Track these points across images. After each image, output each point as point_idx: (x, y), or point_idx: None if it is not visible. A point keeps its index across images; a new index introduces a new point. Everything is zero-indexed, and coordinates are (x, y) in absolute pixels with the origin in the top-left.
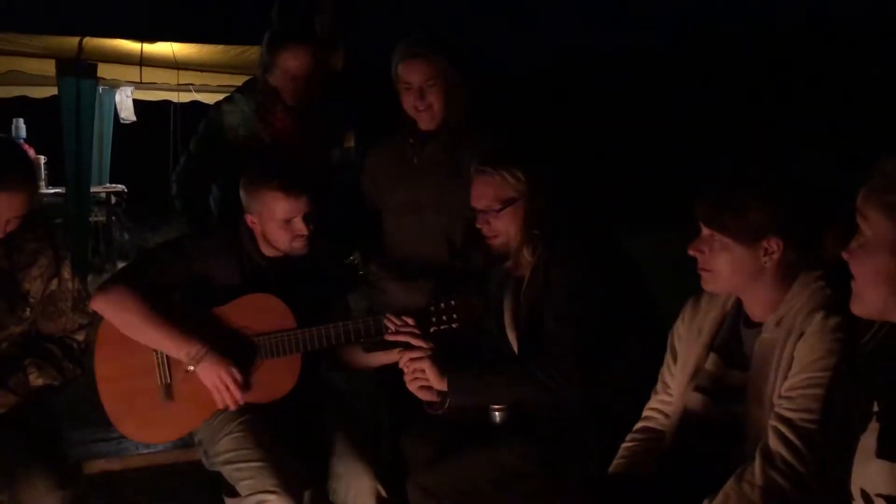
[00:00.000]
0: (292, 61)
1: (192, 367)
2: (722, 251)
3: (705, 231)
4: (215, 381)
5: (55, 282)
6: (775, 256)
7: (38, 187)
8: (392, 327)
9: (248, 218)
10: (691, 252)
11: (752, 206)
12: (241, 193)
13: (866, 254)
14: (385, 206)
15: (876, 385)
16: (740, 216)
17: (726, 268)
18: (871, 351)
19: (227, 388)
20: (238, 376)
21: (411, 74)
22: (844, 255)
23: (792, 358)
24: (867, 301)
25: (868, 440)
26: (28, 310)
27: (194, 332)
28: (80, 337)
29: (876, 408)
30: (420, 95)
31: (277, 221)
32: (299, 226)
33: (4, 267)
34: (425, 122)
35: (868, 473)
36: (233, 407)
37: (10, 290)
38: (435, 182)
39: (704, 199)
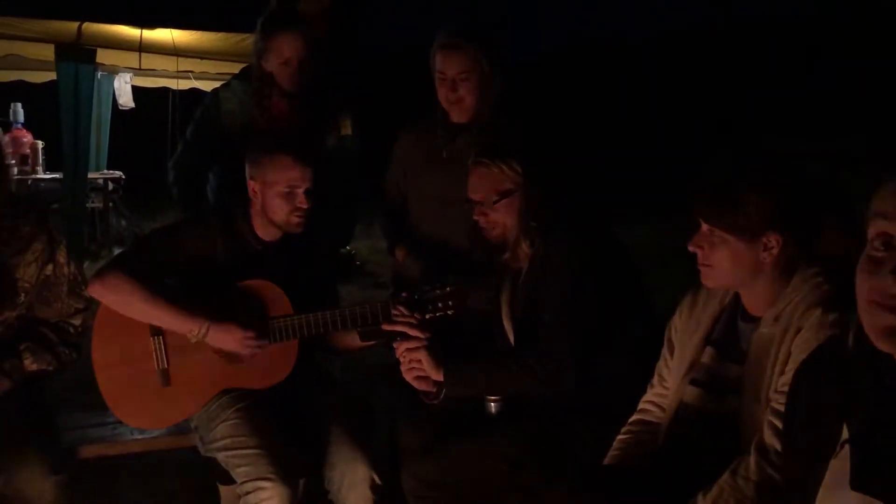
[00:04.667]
0: (285, 46)
1: (199, 338)
2: (721, 247)
3: (704, 227)
4: (231, 342)
5: (50, 267)
6: (774, 252)
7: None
8: (396, 313)
9: (251, 185)
10: (691, 248)
11: (752, 202)
12: (247, 162)
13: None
14: (412, 194)
15: (847, 405)
16: (740, 213)
17: (726, 263)
18: (843, 362)
19: (249, 341)
20: (250, 331)
21: (446, 65)
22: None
23: (789, 353)
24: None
25: (839, 466)
26: (22, 295)
27: (195, 307)
28: (76, 321)
29: (846, 432)
30: (452, 87)
31: (280, 190)
32: (300, 198)
33: None
34: (457, 115)
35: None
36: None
37: (4, 276)
38: (463, 176)
39: (703, 194)
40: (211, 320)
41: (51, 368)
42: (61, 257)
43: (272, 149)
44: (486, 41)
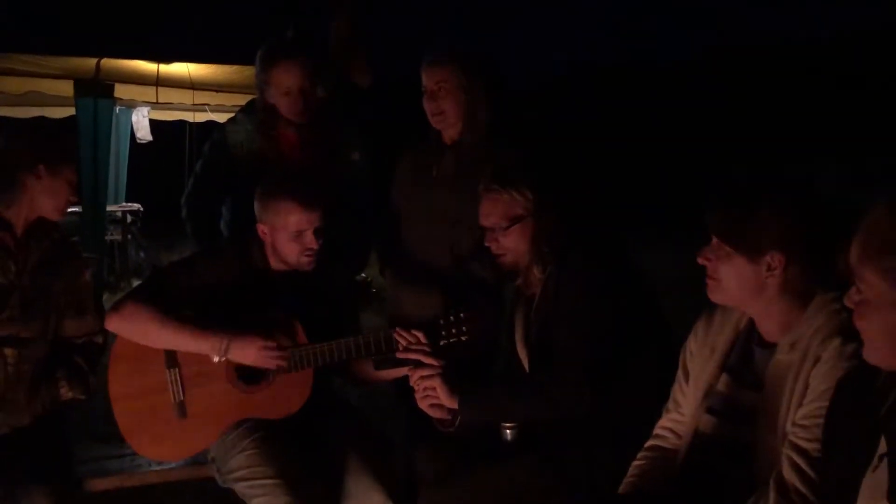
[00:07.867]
0: (284, 76)
1: (221, 358)
2: (727, 262)
3: (714, 240)
4: (256, 355)
5: (84, 274)
6: (777, 272)
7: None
8: (402, 342)
9: (260, 228)
10: (700, 260)
11: (757, 219)
12: (256, 202)
13: (870, 312)
14: (402, 214)
15: (886, 419)
16: (744, 228)
17: (730, 280)
18: (882, 376)
19: (270, 352)
20: (272, 342)
21: (426, 79)
22: (847, 304)
23: (807, 385)
24: (881, 354)
25: (875, 480)
26: (55, 315)
27: (213, 327)
28: (99, 340)
29: (884, 447)
30: (432, 98)
31: (289, 233)
32: (310, 239)
33: (39, 283)
34: (444, 130)
35: None
36: (284, 364)
37: (44, 306)
38: (449, 194)
39: (714, 207)
40: (231, 335)
41: (83, 398)
42: (88, 276)
43: (276, 193)
44: (466, 58)
